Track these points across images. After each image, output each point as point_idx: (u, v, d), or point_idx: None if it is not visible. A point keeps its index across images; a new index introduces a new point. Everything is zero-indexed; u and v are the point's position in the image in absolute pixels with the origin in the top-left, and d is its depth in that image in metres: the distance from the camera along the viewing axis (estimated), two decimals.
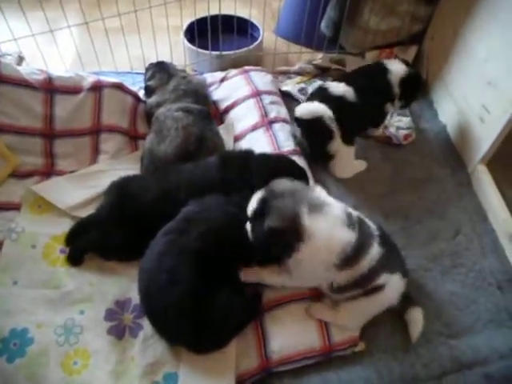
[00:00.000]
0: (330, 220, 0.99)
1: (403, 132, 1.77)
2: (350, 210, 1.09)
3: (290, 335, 1.19)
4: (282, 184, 1.04)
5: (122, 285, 1.26)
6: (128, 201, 1.28)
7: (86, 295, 1.23)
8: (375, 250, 1.07)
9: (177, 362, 1.14)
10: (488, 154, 1.56)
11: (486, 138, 1.55)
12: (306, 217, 0.97)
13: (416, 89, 1.63)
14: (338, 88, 1.51)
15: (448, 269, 1.40)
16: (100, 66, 1.82)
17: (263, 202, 1.00)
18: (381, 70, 1.57)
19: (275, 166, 1.31)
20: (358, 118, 1.53)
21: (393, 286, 1.13)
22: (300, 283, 1.18)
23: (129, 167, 1.50)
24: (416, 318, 1.21)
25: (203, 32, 1.90)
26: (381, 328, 1.24)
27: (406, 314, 1.23)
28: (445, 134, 1.79)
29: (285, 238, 0.98)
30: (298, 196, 1.00)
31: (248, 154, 1.35)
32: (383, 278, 1.10)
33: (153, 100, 1.62)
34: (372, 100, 1.53)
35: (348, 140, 1.53)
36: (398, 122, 1.81)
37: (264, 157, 1.35)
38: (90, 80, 1.56)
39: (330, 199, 1.06)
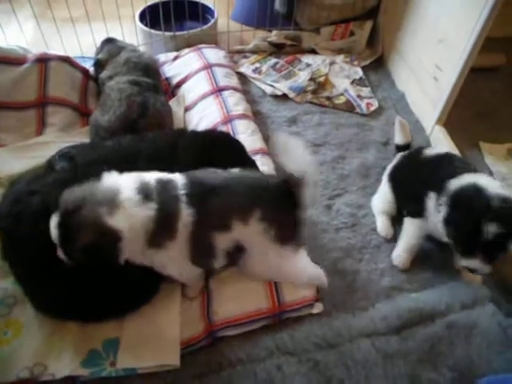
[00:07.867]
0: (126, 207, 0.91)
1: (365, 101, 1.78)
2: (149, 177, 0.97)
3: (234, 296, 1.11)
4: (70, 195, 0.92)
5: None
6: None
7: None
8: (185, 213, 0.95)
9: (118, 326, 1.07)
10: (444, 111, 1.54)
11: (440, 96, 1.53)
12: (108, 217, 0.89)
13: None
14: None
15: None
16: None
17: (62, 226, 0.90)
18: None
19: (204, 141, 1.22)
20: None
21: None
22: (170, 270, 1.04)
23: (79, 140, 1.38)
24: None
25: (156, 19, 1.89)
26: (338, 289, 1.19)
27: None
28: (403, 102, 1.78)
29: (102, 246, 0.90)
30: (92, 199, 0.90)
31: (178, 134, 1.25)
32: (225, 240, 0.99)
33: (105, 74, 1.58)
34: None
35: None
36: (358, 92, 1.82)
37: (193, 134, 1.27)
38: (34, 53, 1.51)
39: (121, 180, 0.95)
